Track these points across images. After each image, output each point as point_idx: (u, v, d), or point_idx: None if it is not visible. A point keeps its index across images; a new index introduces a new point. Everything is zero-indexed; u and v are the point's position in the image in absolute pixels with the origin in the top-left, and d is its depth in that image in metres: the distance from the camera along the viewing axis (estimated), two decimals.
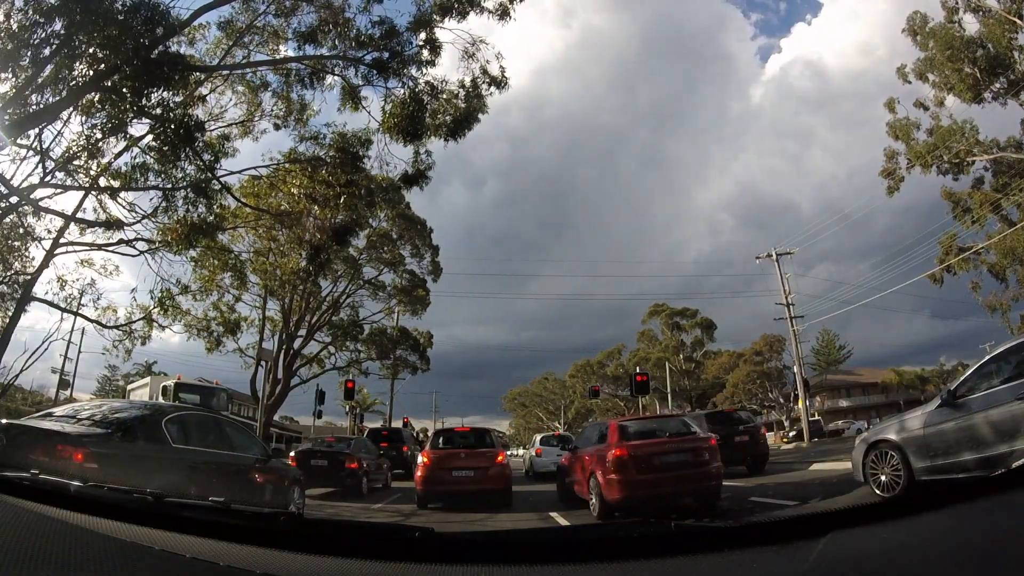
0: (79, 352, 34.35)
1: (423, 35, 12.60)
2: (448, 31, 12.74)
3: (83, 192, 13.54)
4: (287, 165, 14.34)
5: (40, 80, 9.96)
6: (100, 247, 14.77)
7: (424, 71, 12.82)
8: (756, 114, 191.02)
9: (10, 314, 14.14)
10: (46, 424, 5.15)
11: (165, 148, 11.27)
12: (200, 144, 12.17)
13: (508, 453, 13.64)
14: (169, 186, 12.79)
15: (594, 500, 8.36)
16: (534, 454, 19.90)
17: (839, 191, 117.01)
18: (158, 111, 10.92)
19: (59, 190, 13.42)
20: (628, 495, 7.73)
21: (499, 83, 13.05)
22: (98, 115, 11.24)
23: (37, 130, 11.43)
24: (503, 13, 12.52)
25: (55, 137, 12.30)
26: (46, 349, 31.37)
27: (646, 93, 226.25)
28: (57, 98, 10.18)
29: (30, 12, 9.21)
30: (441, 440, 11.40)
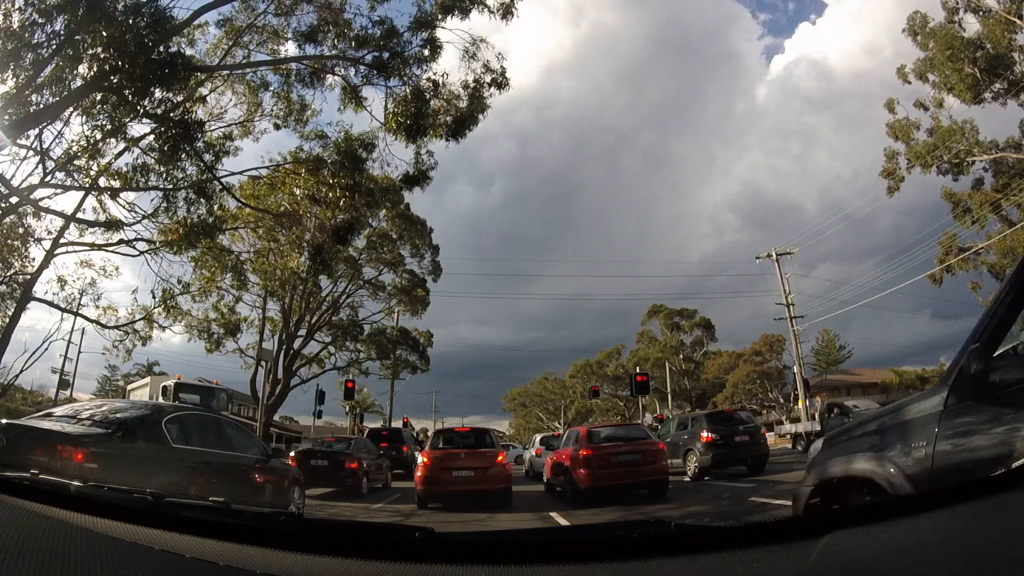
0: (79, 352, 34.36)
1: (424, 35, 12.59)
2: (450, 31, 12.75)
3: (83, 192, 13.54)
4: (289, 166, 14.34)
5: (40, 80, 9.96)
6: (100, 247, 14.78)
7: (425, 68, 12.83)
8: (761, 114, 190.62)
9: (10, 314, 14.14)
10: (46, 424, 5.15)
11: (166, 148, 11.27)
12: (201, 144, 12.17)
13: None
14: (170, 187, 12.80)
15: (568, 487, 10.65)
16: (534, 454, 19.95)
17: (844, 191, 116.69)
18: (159, 111, 10.92)
19: (59, 190, 13.43)
20: (592, 484, 9.92)
21: (500, 84, 13.03)
22: (99, 115, 11.24)
23: (37, 130, 11.43)
24: (506, 12, 12.50)
25: (55, 137, 12.31)
26: (46, 349, 31.26)
27: (654, 91, 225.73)
28: (57, 98, 10.18)
29: (30, 12, 9.21)
30: (441, 440, 11.40)
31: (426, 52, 12.65)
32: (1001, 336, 2.09)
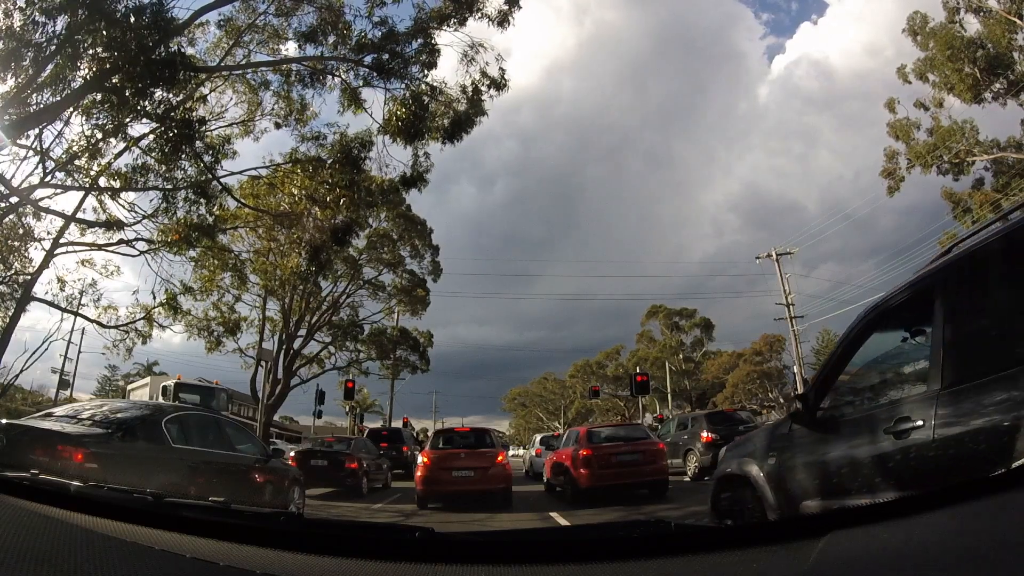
0: (79, 352, 34.39)
1: (422, 40, 12.63)
2: (450, 33, 12.79)
3: (83, 192, 13.54)
4: (288, 166, 14.34)
5: (40, 80, 9.95)
6: (100, 247, 14.78)
7: (425, 72, 12.87)
8: (762, 114, 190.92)
9: (10, 314, 14.13)
10: (46, 424, 5.15)
11: (166, 148, 11.27)
12: (201, 145, 12.17)
13: (510, 453, 13.66)
14: (170, 187, 12.80)
15: (568, 487, 10.68)
16: (534, 454, 19.95)
17: (845, 191, 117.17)
18: (159, 111, 10.91)
19: (59, 190, 13.43)
20: (592, 484, 9.94)
21: (499, 86, 13.07)
22: (99, 115, 11.23)
23: (37, 130, 11.42)
24: (503, 20, 12.61)
25: (55, 137, 12.30)
26: (46, 349, 31.29)
27: (656, 91, 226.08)
28: (57, 98, 10.17)
29: (30, 12, 9.20)
30: (441, 440, 11.40)
31: (424, 56, 12.70)
32: (829, 386, 3.03)
